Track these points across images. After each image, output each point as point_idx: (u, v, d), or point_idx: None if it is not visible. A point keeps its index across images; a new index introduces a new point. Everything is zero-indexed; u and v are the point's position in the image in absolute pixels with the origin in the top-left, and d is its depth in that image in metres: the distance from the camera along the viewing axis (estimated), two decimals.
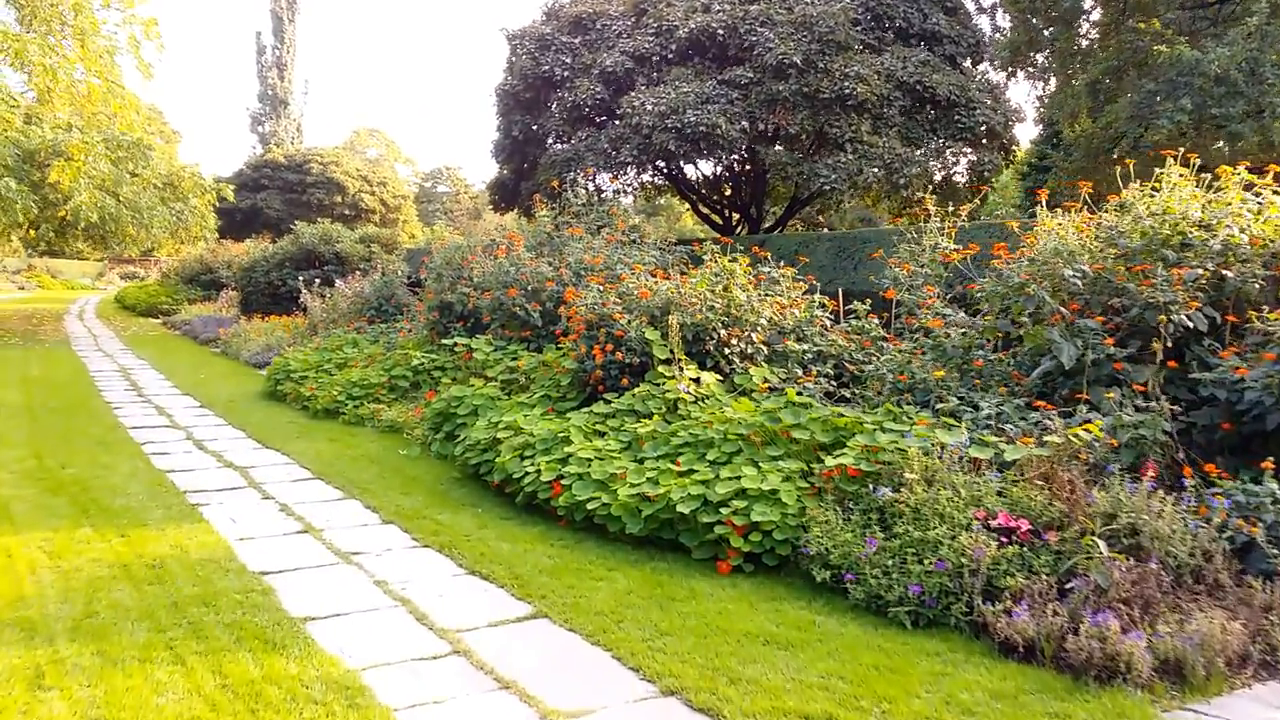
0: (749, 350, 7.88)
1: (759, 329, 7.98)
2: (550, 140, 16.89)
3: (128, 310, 32.66)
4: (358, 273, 20.03)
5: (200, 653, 4.23)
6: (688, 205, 19.62)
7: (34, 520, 6.41)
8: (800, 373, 7.75)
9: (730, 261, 8.42)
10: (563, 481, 6.44)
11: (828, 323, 8.62)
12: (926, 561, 4.74)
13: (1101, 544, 4.53)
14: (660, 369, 7.54)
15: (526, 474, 6.72)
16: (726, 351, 7.78)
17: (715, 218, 19.24)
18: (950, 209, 9.19)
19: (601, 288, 8.57)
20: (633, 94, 14.89)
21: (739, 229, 18.49)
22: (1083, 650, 4.05)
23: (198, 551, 5.78)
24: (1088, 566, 4.51)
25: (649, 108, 14.23)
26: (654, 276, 9.24)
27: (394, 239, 23.68)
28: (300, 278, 19.81)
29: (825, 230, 19.45)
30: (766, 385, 7.50)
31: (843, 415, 6.21)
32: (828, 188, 14.31)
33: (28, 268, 59.22)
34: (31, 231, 26.22)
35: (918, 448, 5.45)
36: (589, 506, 6.11)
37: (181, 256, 35.68)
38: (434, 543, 6.12)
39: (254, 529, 6.39)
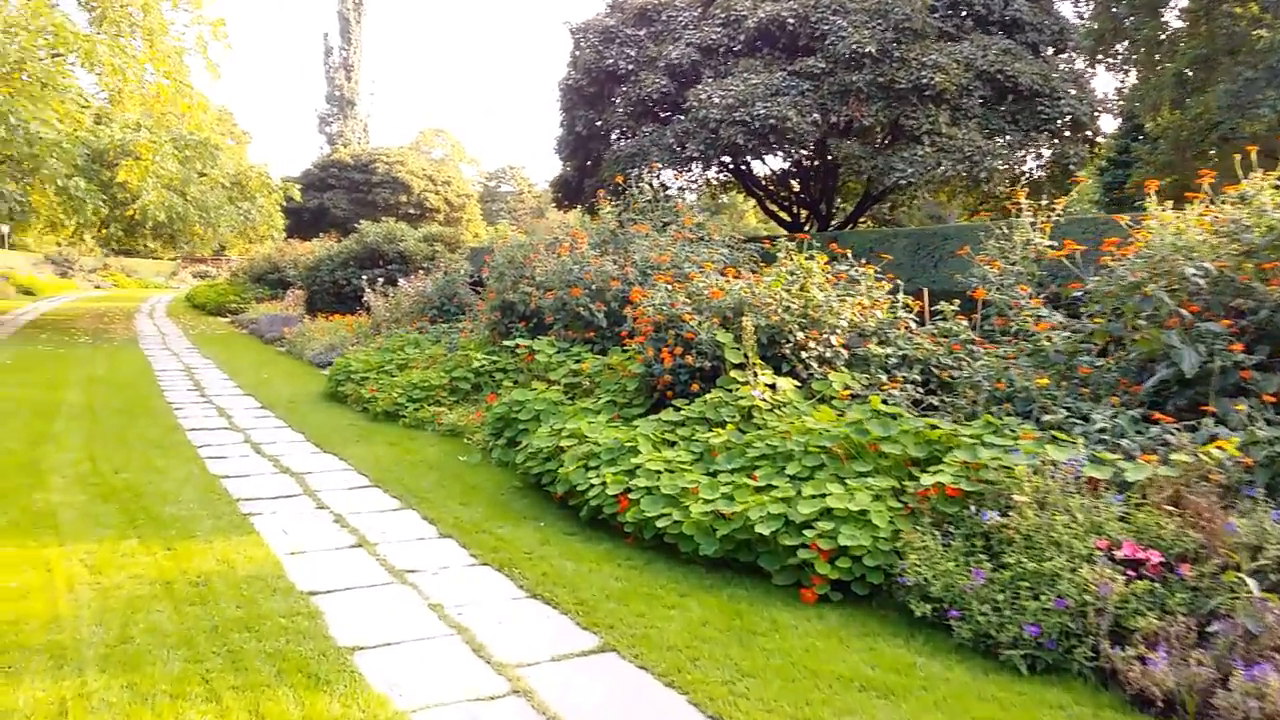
0: (828, 354, 7.36)
1: (839, 331, 7.46)
2: (614, 136, 16.49)
3: (197, 309, 33.06)
4: (420, 272, 19.84)
5: (237, 688, 3.87)
6: (753, 203, 19.06)
7: (80, 530, 6.16)
8: (884, 379, 7.21)
9: (807, 259, 7.90)
10: (630, 495, 6.00)
11: (912, 325, 8.05)
12: (1043, 598, 4.20)
13: (1251, 581, 3.96)
14: (733, 374, 7.07)
15: (591, 486, 6.30)
16: (804, 355, 7.27)
17: (782, 214, 18.68)
18: (1041, 203, 8.51)
19: (670, 287, 8.11)
20: (699, 87, 14.41)
21: (807, 226, 17.92)
22: (1236, 709, 3.49)
23: (245, 567, 5.46)
24: (1233, 607, 3.94)
25: (716, 100, 13.74)
26: (723, 275, 8.77)
27: (457, 237, 23.49)
28: (364, 277, 19.69)
29: (900, 227, 18.76)
30: (848, 392, 6.97)
31: (937, 427, 5.68)
32: (903, 182, 13.69)
33: (103, 267, 60.57)
34: (102, 230, 26.57)
35: (1026, 465, 4.91)
36: (659, 524, 5.65)
37: (249, 256, 36.09)
38: (493, 560, 5.72)
39: (306, 542, 6.06)
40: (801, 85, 13.94)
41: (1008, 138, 14.23)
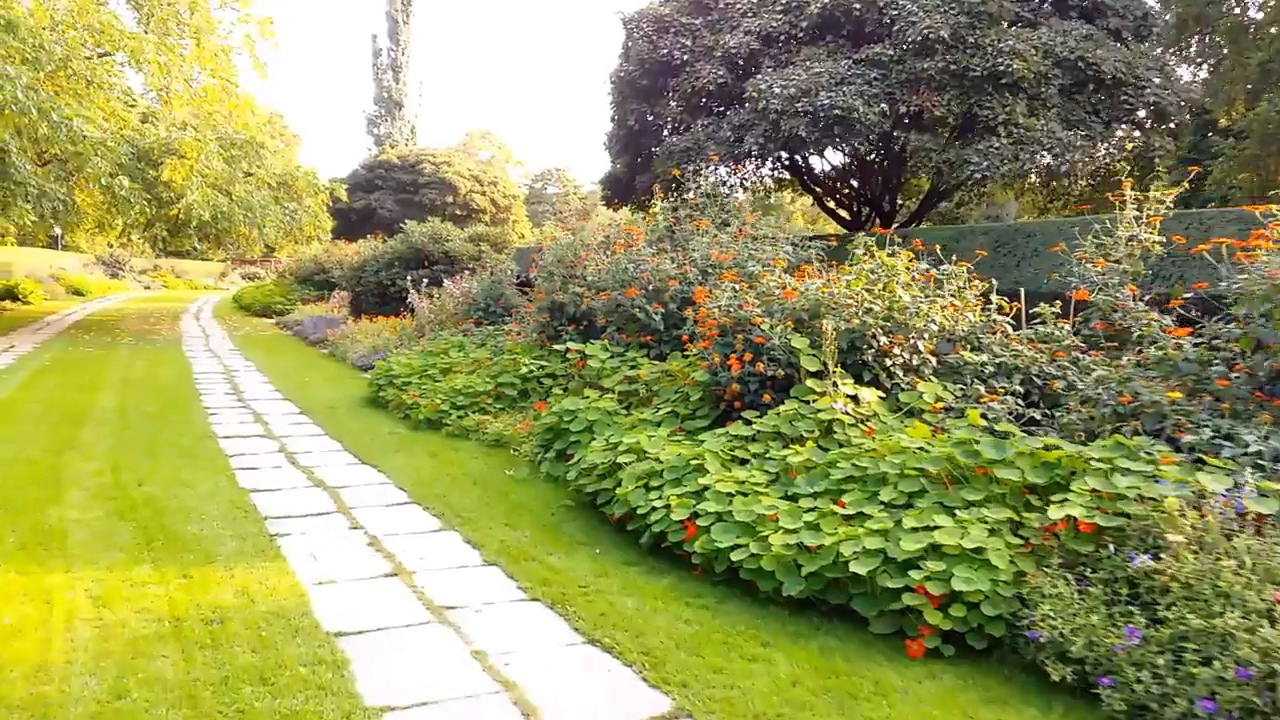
0: (914, 361, 6.60)
1: (926, 336, 6.70)
2: (667, 131, 15.80)
3: (243, 310, 32.91)
4: (466, 272, 19.31)
5: None
6: (801, 203, 18.27)
7: (90, 553, 5.58)
8: (981, 390, 6.42)
9: (889, 255, 7.14)
10: (698, 521, 5.29)
11: (1008, 329, 7.25)
12: (1217, 664, 3.43)
13: None
14: (809, 383, 6.33)
15: (653, 509, 5.60)
16: (888, 363, 6.52)
17: (841, 212, 17.86)
18: (1130, 197, 7.68)
19: (737, 287, 7.38)
20: (758, 77, 13.67)
21: (868, 224, 17.08)
22: None
23: (266, 601, 4.83)
24: None
25: (777, 91, 12.99)
26: (789, 275, 8.04)
27: (504, 237, 22.95)
28: (409, 278, 19.19)
29: (972, 224, 17.83)
30: (940, 405, 6.21)
31: (1056, 448, 4.89)
32: (977, 176, 12.85)
33: (154, 268, 61.06)
34: (148, 231, 26.39)
35: (1176, 497, 4.13)
36: (733, 556, 4.94)
37: (295, 257, 35.92)
38: (544, 595, 5.04)
39: (336, 569, 5.42)
40: (868, 74, 13.14)
41: (1088, 129, 13.30)
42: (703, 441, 6.26)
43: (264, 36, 26.54)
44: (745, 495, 5.37)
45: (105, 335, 21.60)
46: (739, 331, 6.81)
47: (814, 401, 6.16)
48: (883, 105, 12.77)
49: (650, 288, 8.81)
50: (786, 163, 16.41)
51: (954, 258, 7.85)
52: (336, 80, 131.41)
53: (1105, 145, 13.94)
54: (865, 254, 7.38)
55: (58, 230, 49.48)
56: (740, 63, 14.55)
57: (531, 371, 10.14)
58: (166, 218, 23.30)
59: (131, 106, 26.33)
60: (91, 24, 22.26)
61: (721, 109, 14.99)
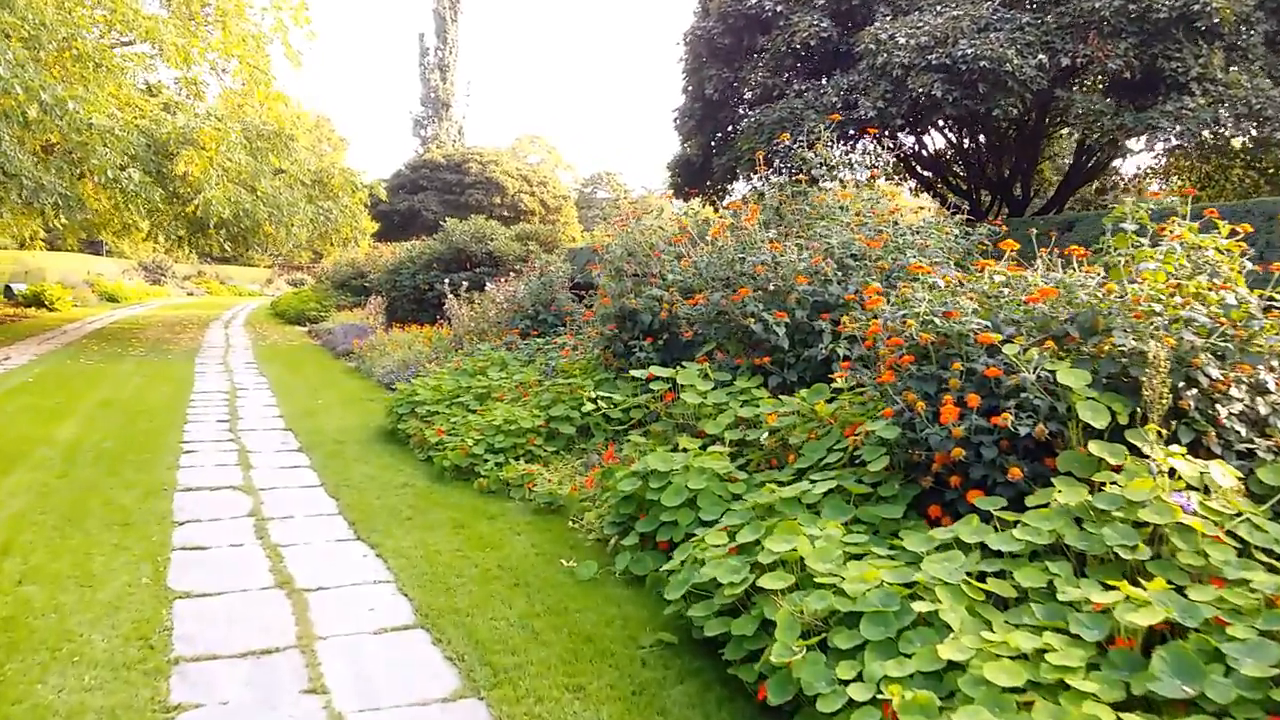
0: (1262, 409, 3.86)
1: (1277, 366, 3.95)
2: (750, 100, 13.06)
3: (278, 317, 30.87)
4: (512, 274, 16.81)
5: None
6: (913, 184, 15.48)
7: None
8: None
9: (1199, 238, 4.39)
10: None
11: None
12: None
13: None
14: (1092, 448, 3.63)
15: (852, 703, 2.93)
16: (1219, 411, 3.79)
17: (952, 197, 14.96)
18: None
19: (942, 284, 4.65)
20: (874, 27, 10.94)
21: (993, 212, 14.21)
22: None
23: None
24: None
25: (902, 41, 10.26)
26: (959, 271, 5.35)
27: (554, 236, 20.44)
28: (447, 281, 16.73)
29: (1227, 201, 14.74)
30: None
31: None
32: (1163, 144, 10.05)
33: (197, 274, 59.76)
34: (157, 230, 24.20)
35: None
36: None
37: (334, 260, 33.78)
38: None
39: None
40: (1019, 18, 10.35)
41: None
42: (907, 551, 3.59)
43: (298, 24, 24.45)
44: (1048, 691, 2.68)
45: (117, 346, 19.44)
46: (952, 357, 4.11)
47: (1109, 485, 3.44)
48: (1040, 56, 9.98)
49: (770, 288, 6.12)
50: (909, 128, 13.20)
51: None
52: (383, 83, 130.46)
53: None
54: (1170, 235, 4.60)
55: (101, 237, 48.15)
56: (848, 10, 11.81)
57: (596, 405, 7.52)
58: (182, 215, 21.10)
59: (153, 96, 24.21)
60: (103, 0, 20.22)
61: (823, 70, 12.23)
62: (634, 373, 6.02)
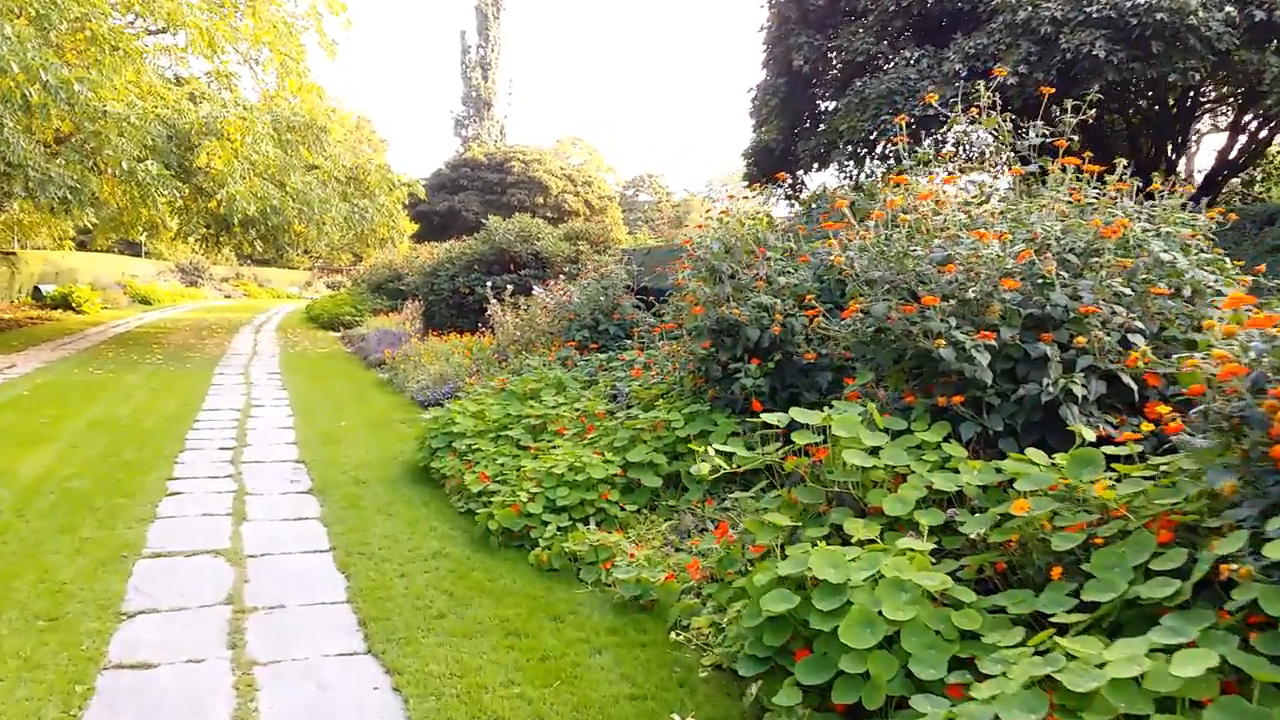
0: None
1: None
2: (846, 73, 11.10)
3: (312, 321, 29.41)
4: (561, 278, 15.03)
5: None
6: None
7: None
8: None
9: None
10: None
11: None
12: None
13: None
14: None
15: None
16: None
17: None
18: None
19: None
20: None
21: None
22: None
23: None
24: None
25: None
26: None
27: (606, 235, 18.62)
28: (489, 284, 14.99)
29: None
30: None
31: None
32: None
33: (235, 276, 58.78)
34: (185, 228, 22.72)
35: None
36: None
37: (370, 262, 32.26)
38: None
39: None
40: None
41: None
42: None
43: (333, 11, 22.93)
44: None
45: (136, 352, 17.95)
46: None
47: None
48: (1229, 8, 8.01)
49: (970, 294, 4.12)
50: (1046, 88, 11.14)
51: None
52: (424, 83, 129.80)
53: None
54: None
55: (142, 237, 47.09)
56: None
57: (684, 436, 5.71)
58: (205, 210, 19.56)
59: (180, 84, 22.73)
60: None
61: (942, 33, 10.23)
62: (766, 417, 4.14)
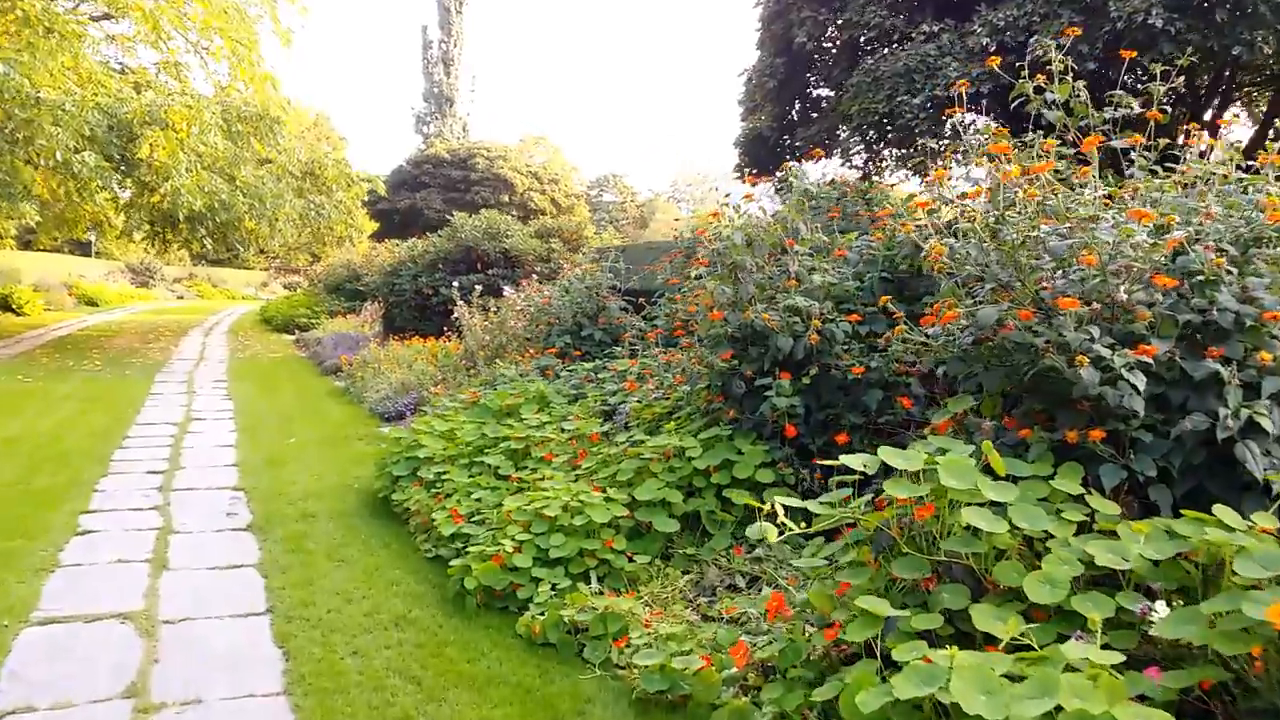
0: None
1: None
2: (851, 51, 10.05)
3: (266, 324, 28.02)
4: (534, 277, 13.92)
5: None
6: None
7: None
8: None
9: None
10: None
11: None
12: None
13: None
14: None
15: None
16: None
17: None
18: None
19: None
20: None
21: None
22: None
23: None
24: None
25: None
26: None
27: (579, 232, 17.52)
28: (455, 284, 13.84)
29: None
30: None
31: None
32: None
33: (189, 276, 57.02)
34: (119, 223, 21.31)
35: None
36: None
37: (327, 262, 30.88)
38: None
39: None
40: None
41: None
42: None
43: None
44: None
45: (72, 358, 16.60)
46: None
47: None
48: None
49: (1121, 295, 3.04)
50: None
51: None
52: (385, 79, 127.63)
53: None
54: None
55: (91, 237, 45.15)
56: None
57: (706, 474, 4.67)
58: (148, 205, 18.21)
59: (125, 74, 21.32)
60: None
61: (963, 5, 9.19)
62: (846, 459, 3.07)
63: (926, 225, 3.86)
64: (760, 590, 4.24)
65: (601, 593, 4.30)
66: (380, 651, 4.06)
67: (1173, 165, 4.40)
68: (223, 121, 18.61)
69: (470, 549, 4.69)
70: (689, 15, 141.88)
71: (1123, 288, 3.02)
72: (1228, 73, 9.93)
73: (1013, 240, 3.25)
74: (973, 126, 5.49)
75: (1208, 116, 10.52)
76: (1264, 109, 9.67)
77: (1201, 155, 4.24)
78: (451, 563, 4.75)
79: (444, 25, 57.02)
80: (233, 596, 4.80)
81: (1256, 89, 9.07)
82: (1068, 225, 3.25)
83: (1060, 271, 3.23)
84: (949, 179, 4.82)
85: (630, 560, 4.55)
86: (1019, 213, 3.30)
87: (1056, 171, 4.00)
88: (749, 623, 3.93)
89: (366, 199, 28.31)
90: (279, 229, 20.11)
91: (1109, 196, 3.96)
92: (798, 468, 4.90)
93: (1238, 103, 11.79)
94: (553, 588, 4.34)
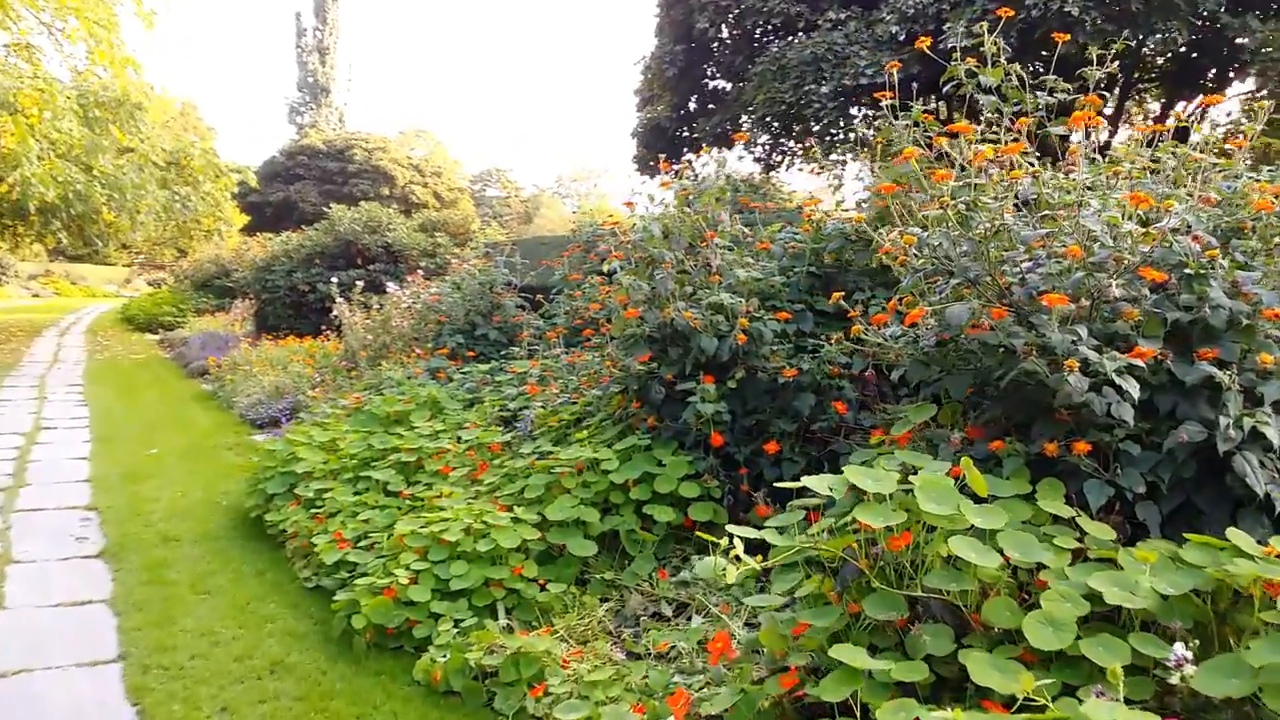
0: None
1: None
2: (754, 40, 9.72)
3: (128, 323, 26.27)
4: (419, 273, 13.22)
5: None
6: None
7: None
8: None
9: None
10: None
11: None
12: None
13: None
14: None
15: None
16: None
17: None
18: None
19: None
20: None
21: None
22: None
23: None
24: None
25: None
26: None
27: (466, 226, 16.83)
28: (334, 280, 13.02)
29: None
30: None
31: None
32: None
33: (45, 273, 53.64)
34: None
35: None
36: None
37: (194, 257, 29.23)
38: None
39: None
40: None
41: None
42: None
43: None
44: None
45: None
46: None
47: None
48: None
49: (1113, 293, 2.65)
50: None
51: None
52: (256, 68, 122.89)
53: None
54: None
55: None
56: None
57: (623, 488, 4.22)
58: None
59: None
60: None
61: None
62: (808, 481, 2.60)
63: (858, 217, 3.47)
64: (690, 619, 3.81)
65: (511, 628, 3.80)
66: (254, 707, 3.47)
67: (1105, 154, 4.16)
68: (79, 107, 17.29)
69: (358, 580, 4.11)
70: (569, 10, 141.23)
71: (1115, 283, 2.68)
72: (1133, 67, 9.99)
73: (985, 230, 2.89)
74: (881, 118, 5.16)
75: (1109, 111, 10.61)
76: (1157, 107, 9.81)
77: (1149, 144, 3.97)
78: (336, 595, 4.16)
79: (319, 13, 55.04)
80: (77, 641, 4.12)
81: (1150, 85, 9.12)
82: (1045, 213, 2.91)
83: (1033, 263, 2.88)
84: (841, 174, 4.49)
85: (543, 589, 4.05)
86: (995, 197, 2.93)
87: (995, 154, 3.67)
88: (680, 658, 3.49)
89: (236, 191, 26.93)
90: (141, 222, 18.82)
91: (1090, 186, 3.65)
92: (723, 480, 4.48)
93: (1132, 98, 11.96)
94: (455, 624, 3.81)
